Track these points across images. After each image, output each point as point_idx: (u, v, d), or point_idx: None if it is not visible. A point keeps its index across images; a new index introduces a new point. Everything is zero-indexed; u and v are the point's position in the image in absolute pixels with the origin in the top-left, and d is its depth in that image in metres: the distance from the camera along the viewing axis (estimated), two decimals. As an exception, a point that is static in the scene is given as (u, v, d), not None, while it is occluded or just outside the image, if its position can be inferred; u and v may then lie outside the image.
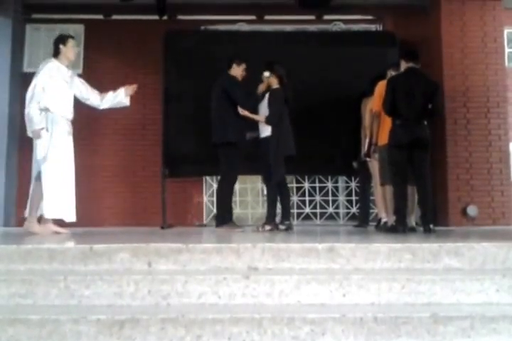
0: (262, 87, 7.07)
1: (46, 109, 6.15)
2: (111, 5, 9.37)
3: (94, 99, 6.67)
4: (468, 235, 6.20)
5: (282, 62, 7.13)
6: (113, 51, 9.61)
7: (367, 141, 7.23)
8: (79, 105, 9.30)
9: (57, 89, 6.26)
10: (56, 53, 6.42)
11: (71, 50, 6.46)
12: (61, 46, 6.41)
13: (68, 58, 6.46)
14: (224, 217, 6.97)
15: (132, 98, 6.66)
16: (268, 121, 6.81)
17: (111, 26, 9.66)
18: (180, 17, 9.64)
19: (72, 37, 6.62)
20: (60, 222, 6.34)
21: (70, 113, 6.41)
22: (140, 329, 3.32)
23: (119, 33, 9.61)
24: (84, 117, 9.32)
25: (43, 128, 6.12)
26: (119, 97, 6.69)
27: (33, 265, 3.99)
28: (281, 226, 6.71)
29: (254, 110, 7.02)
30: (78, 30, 9.77)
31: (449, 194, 8.51)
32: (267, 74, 7.00)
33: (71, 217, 6.27)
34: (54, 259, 4.01)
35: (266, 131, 6.87)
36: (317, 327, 3.37)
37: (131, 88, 6.72)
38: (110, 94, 6.69)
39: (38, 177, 6.13)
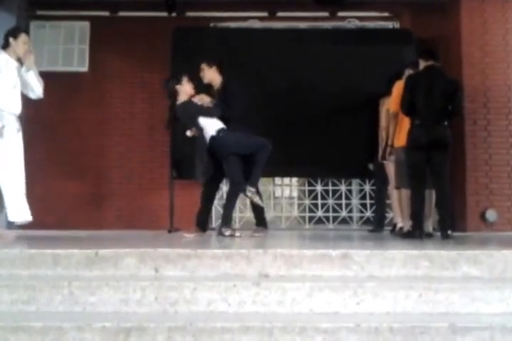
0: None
1: None
2: (117, 1, 9.27)
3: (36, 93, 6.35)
4: (487, 241, 6.14)
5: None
6: (119, 49, 9.44)
7: (383, 142, 7.15)
8: (86, 105, 9.31)
9: (5, 85, 6.00)
10: (5, 45, 6.15)
11: (21, 46, 6.14)
12: (11, 39, 6.12)
13: (16, 53, 6.14)
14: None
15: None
16: None
17: (117, 23, 9.50)
18: (190, 14, 9.50)
19: (27, 32, 6.36)
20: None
21: (18, 109, 6.11)
22: (147, 338, 3.24)
23: (125, 30, 9.45)
24: (90, 117, 9.30)
25: (3, 126, 5.90)
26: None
27: (37, 270, 3.92)
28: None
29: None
30: (84, 27, 9.66)
31: (467, 198, 8.36)
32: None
33: (27, 216, 5.97)
34: (58, 264, 3.94)
35: None
36: (330, 337, 3.28)
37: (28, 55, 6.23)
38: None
39: None
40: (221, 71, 6.84)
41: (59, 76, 9.17)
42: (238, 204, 8.22)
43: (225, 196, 7.69)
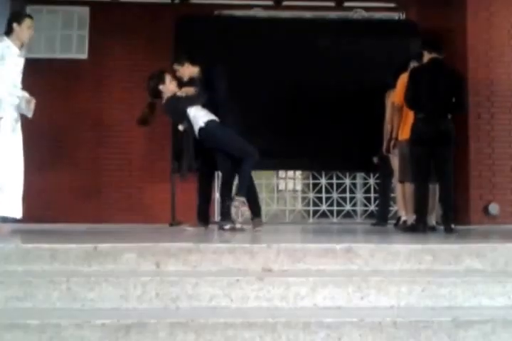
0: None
1: None
2: (118, -14, 9.17)
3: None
4: (489, 235, 6.15)
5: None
6: (120, 36, 9.28)
7: (388, 135, 7.11)
8: (85, 94, 9.22)
9: (7, 73, 5.81)
10: (8, 32, 5.95)
11: (25, 32, 5.97)
12: (15, 25, 5.92)
13: (21, 39, 5.98)
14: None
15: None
16: None
17: (118, 9, 9.36)
18: (193, 1, 9.44)
19: (31, 17, 6.13)
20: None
21: (16, 98, 5.93)
22: (147, 334, 3.19)
23: (127, 17, 9.32)
24: (89, 107, 9.19)
25: (1, 118, 5.74)
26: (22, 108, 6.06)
27: (33, 265, 3.85)
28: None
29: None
30: (83, 12, 9.49)
31: (470, 191, 8.37)
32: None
33: (18, 213, 5.85)
34: (55, 259, 3.87)
35: None
36: (334, 332, 3.25)
37: (31, 104, 6.02)
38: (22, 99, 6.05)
39: None
40: (193, 62, 6.77)
41: (57, 63, 9.08)
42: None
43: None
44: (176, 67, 6.75)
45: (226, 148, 6.41)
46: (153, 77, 6.63)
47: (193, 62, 6.75)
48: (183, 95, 6.51)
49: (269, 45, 8.38)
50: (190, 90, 6.55)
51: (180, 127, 6.57)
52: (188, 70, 6.75)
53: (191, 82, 6.71)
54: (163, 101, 6.59)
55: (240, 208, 6.37)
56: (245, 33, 8.47)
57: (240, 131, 6.55)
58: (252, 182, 6.73)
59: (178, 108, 6.50)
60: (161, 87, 6.55)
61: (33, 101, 5.93)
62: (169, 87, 6.56)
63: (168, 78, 6.59)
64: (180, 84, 6.67)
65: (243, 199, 6.33)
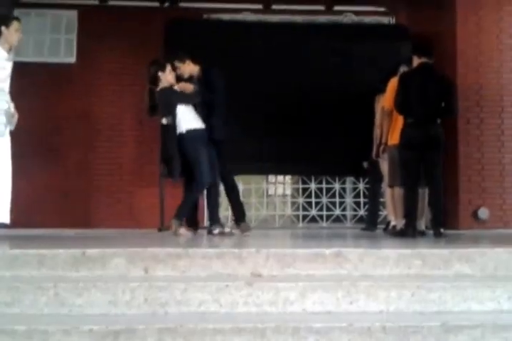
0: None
1: None
2: (107, -11, 9.13)
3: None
4: (479, 239, 6.16)
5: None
6: (109, 40, 9.24)
7: (378, 140, 7.10)
8: (73, 98, 9.16)
9: None
10: None
11: (14, 35, 5.93)
12: (3, 28, 5.88)
13: (9, 43, 5.94)
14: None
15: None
16: None
17: (107, 13, 9.33)
18: (182, 4, 9.43)
19: (19, 20, 6.10)
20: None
21: (5, 103, 5.86)
22: (136, 340, 3.16)
23: (115, 21, 9.28)
24: (76, 112, 9.13)
25: None
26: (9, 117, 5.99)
27: (21, 271, 3.81)
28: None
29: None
30: (71, 16, 9.45)
31: (459, 196, 8.36)
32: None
33: (6, 218, 5.78)
34: (43, 265, 3.83)
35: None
36: (323, 337, 3.23)
37: (14, 118, 5.96)
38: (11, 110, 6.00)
39: None
40: (195, 61, 6.81)
41: (45, 67, 9.03)
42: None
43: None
44: (177, 64, 6.74)
45: (187, 158, 6.45)
46: (154, 64, 6.64)
47: (194, 60, 6.78)
48: (179, 90, 6.51)
49: (258, 48, 8.38)
50: (187, 87, 6.55)
51: (164, 121, 6.54)
52: (189, 68, 6.77)
53: (190, 79, 6.72)
54: (158, 89, 6.56)
55: (176, 231, 6.37)
56: (235, 37, 8.46)
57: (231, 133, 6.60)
58: (235, 187, 6.75)
59: (170, 100, 6.47)
60: (159, 74, 6.52)
61: (16, 116, 5.91)
62: (167, 77, 6.54)
63: (168, 68, 6.57)
64: (180, 81, 6.68)
65: (179, 222, 6.37)
